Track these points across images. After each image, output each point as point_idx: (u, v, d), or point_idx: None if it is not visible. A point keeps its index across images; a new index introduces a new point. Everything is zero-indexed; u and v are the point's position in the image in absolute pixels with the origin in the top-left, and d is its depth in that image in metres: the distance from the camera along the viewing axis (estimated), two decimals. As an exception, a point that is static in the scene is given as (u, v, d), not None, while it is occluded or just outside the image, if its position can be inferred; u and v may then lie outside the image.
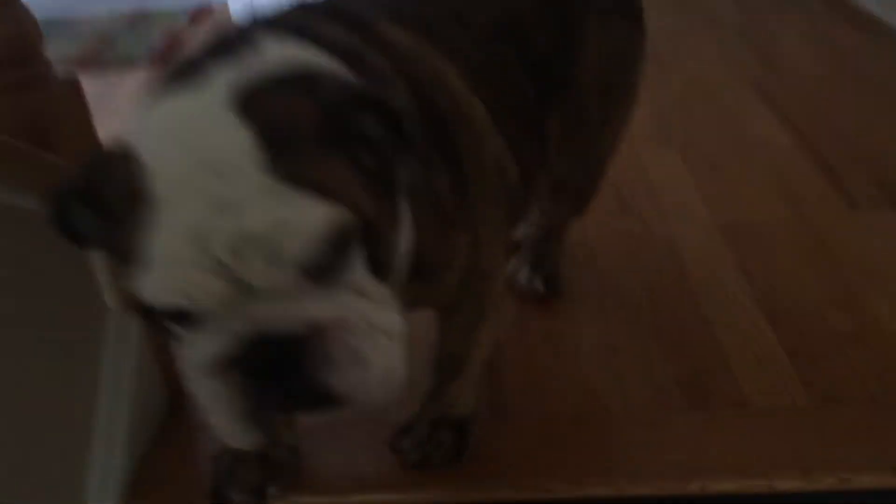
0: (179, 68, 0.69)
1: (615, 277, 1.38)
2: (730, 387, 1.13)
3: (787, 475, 0.99)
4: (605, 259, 1.43)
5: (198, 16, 2.81)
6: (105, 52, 2.64)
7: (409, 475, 1.02)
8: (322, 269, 0.60)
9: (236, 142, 0.58)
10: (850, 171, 1.65)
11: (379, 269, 0.65)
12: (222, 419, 0.64)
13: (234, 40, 0.70)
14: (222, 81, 0.63)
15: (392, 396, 0.65)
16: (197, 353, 0.62)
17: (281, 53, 0.68)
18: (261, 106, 0.61)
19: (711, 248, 1.43)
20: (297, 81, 0.65)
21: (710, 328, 1.24)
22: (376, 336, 0.63)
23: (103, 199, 0.61)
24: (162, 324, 0.63)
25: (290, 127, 0.61)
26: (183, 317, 0.61)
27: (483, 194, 0.86)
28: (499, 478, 1.01)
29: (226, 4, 2.88)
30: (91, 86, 1.12)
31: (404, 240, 0.70)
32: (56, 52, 1.08)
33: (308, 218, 0.58)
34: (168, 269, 0.57)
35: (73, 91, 1.03)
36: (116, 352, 1.06)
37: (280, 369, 0.61)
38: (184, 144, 0.59)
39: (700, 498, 0.99)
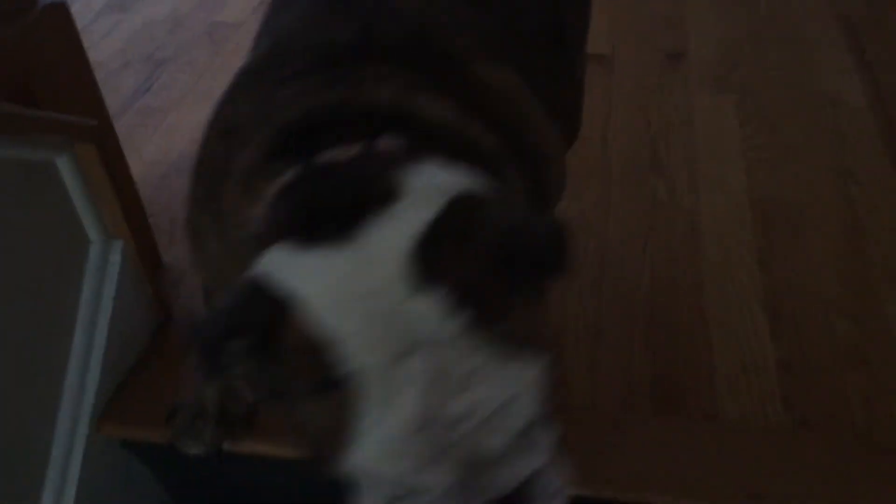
0: (307, 208, 0.59)
1: (623, 248, 1.32)
2: (705, 395, 1.09)
3: (731, 502, 0.97)
4: (619, 226, 1.36)
5: None
6: None
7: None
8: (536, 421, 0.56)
9: (433, 314, 0.53)
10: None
11: None
12: None
13: (367, 174, 0.59)
14: (389, 237, 0.55)
15: None
16: None
17: (427, 185, 0.58)
18: (437, 265, 0.54)
19: (735, 229, 1.35)
20: (459, 223, 0.57)
21: (704, 324, 1.19)
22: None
23: (273, 348, 0.55)
24: None
25: (471, 282, 0.55)
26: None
27: None
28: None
29: None
30: None
31: None
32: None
33: (530, 377, 0.55)
34: (384, 459, 0.53)
35: (59, 15, 1.01)
36: (96, 279, 1.10)
37: None
38: (381, 322, 0.53)
39: (640, 510, 0.99)
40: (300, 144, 0.63)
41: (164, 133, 1.66)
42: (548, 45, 0.93)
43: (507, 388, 0.53)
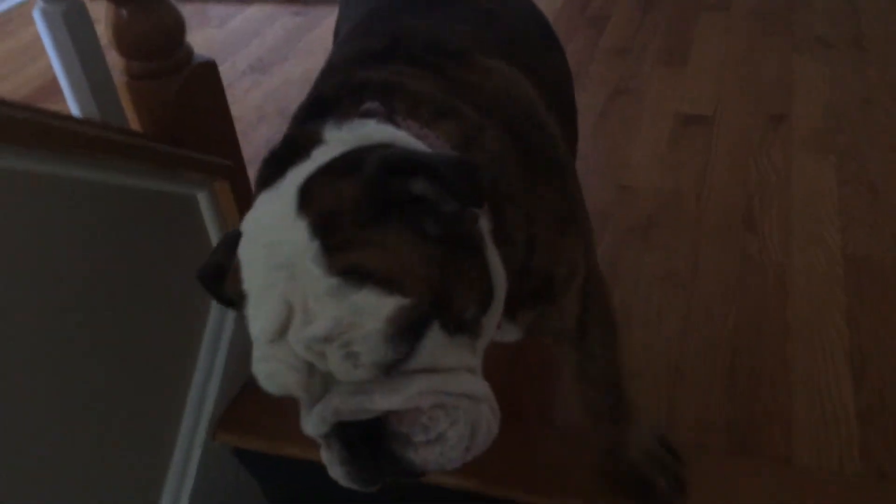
0: (269, 170, 0.72)
1: (709, 298, 1.36)
2: (780, 440, 1.11)
3: (800, 546, 0.99)
4: (707, 278, 1.40)
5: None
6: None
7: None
8: (396, 360, 0.62)
9: (298, 240, 0.62)
10: None
11: (458, 328, 0.66)
12: (337, 475, 0.70)
13: (305, 136, 0.73)
14: (292, 182, 0.66)
15: (484, 446, 0.69)
16: (305, 425, 0.68)
17: (343, 140, 0.70)
18: (314, 198, 0.64)
19: (825, 285, 1.36)
20: (347, 163, 0.66)
21: (786, 372, 1.21)
22: (455, 403, 0.66)
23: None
24: None
25: (336, 212, 0.62)
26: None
27: (579, 203, 0.90)
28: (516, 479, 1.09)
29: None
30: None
31: (496, 279, 0.71)
32: None
33: (370, 317, 0.59)
34: (259, 363, 0.64)
35: (208, 71, 1.19)
36: (221, 312, 1.25)
37: (367, 445, 0.66)
38: (265, 248, 0.65)
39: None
40: (319, 110, 0.78)
41: (290, 179, 1.83)
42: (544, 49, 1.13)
43: (341, 316, 0.59)
